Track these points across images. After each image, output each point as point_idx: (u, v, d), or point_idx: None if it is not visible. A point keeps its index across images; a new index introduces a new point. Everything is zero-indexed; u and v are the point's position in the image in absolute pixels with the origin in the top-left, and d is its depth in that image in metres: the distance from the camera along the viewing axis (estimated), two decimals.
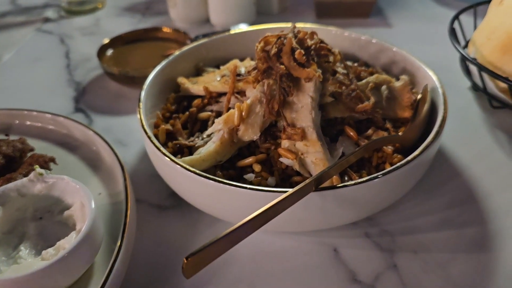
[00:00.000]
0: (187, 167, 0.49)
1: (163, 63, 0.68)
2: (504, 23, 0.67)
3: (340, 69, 0.62)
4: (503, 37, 0.66)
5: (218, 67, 0.74)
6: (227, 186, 0.46)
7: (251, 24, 1.00)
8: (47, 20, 1.11)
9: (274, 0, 1.04)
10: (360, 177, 0.52)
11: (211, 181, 0.47)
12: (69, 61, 0.93)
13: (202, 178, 0.48)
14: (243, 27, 0.89)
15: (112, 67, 0.80)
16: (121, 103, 0.78)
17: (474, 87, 0.73)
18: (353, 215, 0.50)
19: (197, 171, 0.48)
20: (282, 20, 1.04)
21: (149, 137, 0.54)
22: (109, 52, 0.85)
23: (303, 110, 0.54)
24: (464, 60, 0.71)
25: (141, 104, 0.58)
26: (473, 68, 0.72)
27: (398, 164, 0.48)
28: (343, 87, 0.58)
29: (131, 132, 0.70)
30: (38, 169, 0.53)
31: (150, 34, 0.90)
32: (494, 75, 0.63)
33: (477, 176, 0.60)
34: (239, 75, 0.62)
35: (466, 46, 0.81)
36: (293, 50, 0.54)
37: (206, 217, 0.55)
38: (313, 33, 0.58)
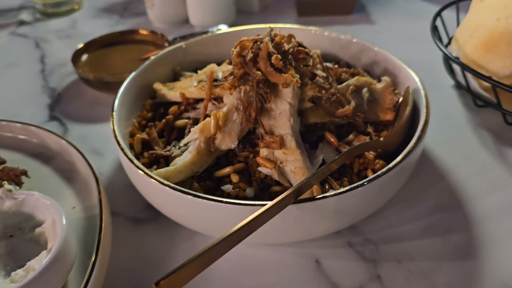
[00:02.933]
0: (162, 180, 0.47)
1: (138, 69, 0.66)
2: (486, 21, 0.66)
3: (319, 71, 0.60)
4: (485, 35, 0.65)
5: (196, 71, 0.72)
6: (204, 200, 0.45)
7: (231, 24, 0.98)
8: (22, 23, 1.08)
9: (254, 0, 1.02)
10: (341, 185, 0.51)
11: (187, 195, 0.45)
12: (44, 66, 0.90)
13: (178, 192, 0.46)
14: (222, 28, 0.87)
15: (87, 72, 0.78)
16: (98, 110, 0.76)
17: (458, 86, 0.72)
18: (335, 225, 0.49)
19: (172, 185, 0.46)
20: (262, 19, 1.02)
21: (122, 149, 0.52)
22: (84, 57, 0.83)
23: (281, 117, 0.52)
24: (447, 58, 0.69)
25: (114, 113, 0.56)
26: (456, 67, 0.71)
27: (380, 172, 0.46)
28: (323, 91, 0.57)
29: (108, 141, 0.68)
30: (6, 185, 0.51)
31: (127, 36, 0.88)
32: (477, 75, 0.62)
33: (461, 179, 0.59)
34: (216, 80, 0.60)
35: (449, 43, 0.80)
36: (269, 55, 0.52)
37: (184, 230, 0.53)
38: (290, 36, 0.56)
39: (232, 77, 0.57)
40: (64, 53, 0.93)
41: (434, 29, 0.73)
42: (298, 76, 0.53)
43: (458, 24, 0.81)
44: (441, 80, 0.78)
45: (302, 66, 0.56)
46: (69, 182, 0.61)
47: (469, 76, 0.67)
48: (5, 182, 0.53)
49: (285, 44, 0.55)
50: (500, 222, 0.53)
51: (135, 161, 0.50)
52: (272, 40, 0.55)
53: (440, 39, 0.72)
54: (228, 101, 0.55)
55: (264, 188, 0.52)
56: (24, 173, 0.59)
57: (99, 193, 0.54)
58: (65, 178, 0.61)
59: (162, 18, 1.00)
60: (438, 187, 0.58)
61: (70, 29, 1.04)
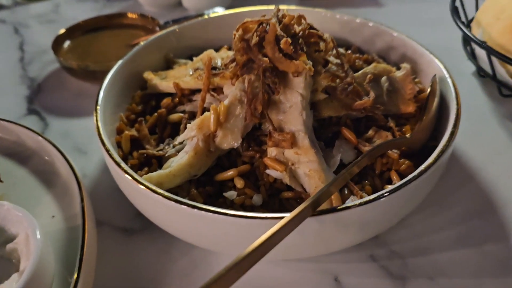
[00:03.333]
0: (153, 187, 0.40)
1: (126, 56, 0.58)
2: None
3: (332, 58, 0.53)
4: None
5: (191, 58, 0.65)
6: (204, 212, 0.38)
7: (227, 7, 0.90)
8: (0, 7, 0.99)
9: None
10: (363, 189, 0.44)
11: (183, 205, 0.38)
12: (23, 53, 0.82)
13: (172, 202, 0.39)
14: (218, 11, 0.79)
15: (70, 61, 0.70)
16: (81, 102, 0.68)
17: (480, 73, 0.65)
18: (358, 238, 0.42)
19: (165, 193, 0.39)
20: (261, 2, 0.94)
21: (107, 150, 0.44)
22: (67, 43, 0.75)
23: (292, 111, 0.45)
24: (468, 42, 0.62)
25: (98, 107, 0.49)
26: (480, 52, 0.64)
27: (410, 177, 0.39)
28: (337, 80, 0.49)
29: (93, 137, 0.59)
30: None
31: (114, 21, 0.80)
32: (507, 60, 0.55)
33: (492, 179, 0.52)
34: (214, 68, 0.53)
35: (468, 26, 0.72)
36: (277, 39, 0.45)
37: (181, 242, 0.46)
38: (300, 17, 0.49)
39: (233, 64, 0.50)
40: (46, 40, 0.84)
41: (455, 10, 0.66)
42: (311, 63, 0.45)
43: (477, 5, 0.74)
44: (459, 66, 0.71)
45: (314, 51, 0.49)
46: (48, 187, 0.53)
47: (496, 62, 0.60)
48: None
49: (295, 26, 0.47)
50: None
51: (122, 164, 0.43)
52: (279, 21, 0.47)
53: (461, 22, 0.65)
54: (229, 92, 0.47)
55: (274, 194, 0.45)
56: None
57: (82, 200, 0.47)
58: (44, 181, 0.54)
59: (153, 1, 0.91)
60: (468, 188, 0.51)
61: (52, 14, 0.95)
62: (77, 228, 0.47)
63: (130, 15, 0.80)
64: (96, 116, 0.48)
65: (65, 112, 0.66)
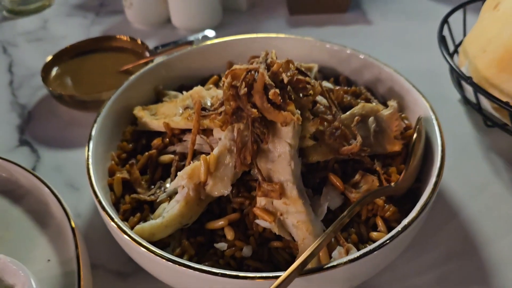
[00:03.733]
0: (148, 246, 0.41)
1: (117, 92, 0.59)
2: (501, 34, 0.60)
3: (320, 97, 0.54)
4: (500, 50, 0.59)
5: (181, 89, 0.66)
6: (196, 272, 0.39)
7: (218, 24, 0.90)
8: None
9: None
10: (348, 236, 0.46)
11: (176, 265, 0.39)
12: (12, 76, 0.82)
13: (165, 261, 0.40)
14: (208, 33, 0.79)
15: (59, 88, 0.70)
16: (73, 132, 0.68)
17: (466, 101, 0.66)
18: None
19: (158, 252, 0.41)
20: (251, 18, 0.95)
21: (100, 203, 0.45)
22: (55, 70, 0.74)
23: (280, 161, 0.46)
24: (456, 76, 0.63)
25: (89, 158, 0.49)
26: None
27: (396, 231, 0.41)
28: (325, 123, 0.50)
29: (85, 171, 0.61)
30: None
31: (103, 43, 0.79)
32: (493, 99, 0.57)
33: (474, 216, 0.54)
34: (204, 109, 0.53)
35: (455, 51, 0.73)
36: (266, 88, 0.46)
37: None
38: (288, 62, 0.49)
39: (222, 108, 0.50)
40: (34, 61, 0.85)
41: (442, 40, 0.67)
42: (299, 112, 0.46)
43: (464, 29, 0.75)
44: (446, 91, 0.72)
45: (302, 96, 0.50)
46: (42, 227, 0.54)
47: (481, 95, 0.62)
48: None
49: (283, 74, 0.48)
50: None
51: (117, 220, 0.44)
52: (267, 67, 0.48)
53: (448, 51, 0.66)
54: (219, 143, 0.48)
55: (263, 243, 0.46)
56: None
57: (77, 247, 0.48)
58: (38, 222, 0.55)
59: (142, 19, 0.91)
60: (451, 226, 0.53)
61: (40, 31, 0.94)
62: (73, 273, 0.48)
63: (118, 37, 0.80)
64: (88, 166, 0.49)
65: (56, 143, 0.67)
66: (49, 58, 0.74)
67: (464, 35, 0.75)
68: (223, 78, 0.49)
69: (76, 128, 0.69)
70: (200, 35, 0.78)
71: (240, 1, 0.95)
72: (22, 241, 0.53)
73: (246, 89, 0.45)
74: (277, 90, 0.45)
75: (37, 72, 0.80)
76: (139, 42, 0.78)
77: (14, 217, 0.56)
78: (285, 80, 0.47)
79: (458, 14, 0.74)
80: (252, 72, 0.47)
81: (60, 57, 0.76)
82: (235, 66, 0.48)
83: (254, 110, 0.45)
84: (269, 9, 0.96)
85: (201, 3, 0.85)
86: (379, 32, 0.89)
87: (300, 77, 0.49)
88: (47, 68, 0.73)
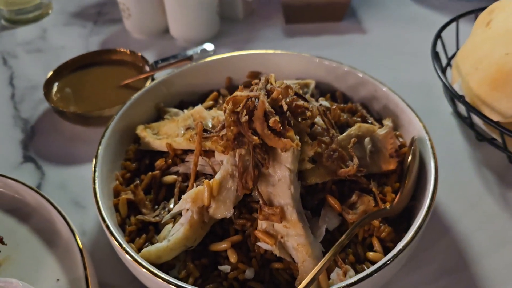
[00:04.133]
0: (153, 269, 0.43)
1: (120, 112, 0.60)
2: (493, 53, 0.62)
3: (318, 119, 0.55)
4: (492, 69, 0.61)
5: (181, 104, 0.67)
6: None
7: (215, 34, 0.92)
8: None
9: (239, 5, 0.95)
10: (346, 257, 0.48)
11: (172, 286, 0.41)
12: (13, 89, 0.83)
13: (169, 285, 0.42)
14: (207, 47, 0.80)
15: (61, 104, 0.72)
16: (76, 148, 0.70)
17: (458, 116, 0.69)
18: None
19: (163, 276, 0.42)
20: (248, 27, 0.96)
21: (112, 234, 0.47)
22: (56, 85, 0.76)
23: (280, 184, 0.48)
24: (448, 90, 0.65)
25: (96, 186, 0.51)
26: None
27: (392, 255, 0.43)
28: (323, 145, 0.52)
29: (89, 189, 0.62)
30: None
31: (103, 57, 0.81)
32: (484, 118, 0.59)
33: (466, 232, 0.56)
34: (205, 130, 0.55)
35: (448, 64, 0.75)
36: (266, 114, 0.47)
37: None
38: (287, 88, 0.51)
39: (223, 131, 0.52)
40: (35, 73, 0.86)
41: (436, 56, 0.69)
42: (298, 138, 0.48)
43: (457, 42, 0.77)
44: (439, 102, 0.74)
45: (301, 120, 0.52)
46: (50, 246, 0.56)
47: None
48: None
49: (282, 102, 0.49)
50: (508, 283, 0.51)
51: (125, 245, 0.46)
52: (267, 93, 0.50)
53: (441, 67, 0.68)
54: (222, 167, 0.50)
55: (264, 264, 0.48)
56: (0, 241, 0.54)
57: (85, 268, 0.50)
58: (46, 241, 0.57)
59: (140, 29, 0.92)
60: (444, 242, 0.55)
61: (39, 41, 0.95)
62: None
63: (119, 50, 0.81)
64: (95, 191, 0.50)
65: (60, 160, 0.68)
66: (50, 73, 0.75)
67: (457, 47, 0.77)
68: (221, 102, 0.51)
69: (79, 143, 0.70)
70: (198, 49, 0.79)
71: (237, 10, 0.96)
72: (31, 261, 0.55)
73: (247, 116, 0.47)
74: (277, 118, 0.46)
75: (38, 85, 0.82)
76: (139, 55, 0.79)
77: (22, 236, 0.57)
78: (285, 108, 0.48)
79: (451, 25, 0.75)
80: (253, 99, 0.49)
81: (61, 72, 0.77)
82: (236, 93, 0.49)
83: (255, 137, 0.47)
84: (266, 18, 0.98)
85: (199, 14, 0.86)
86: (374, 41, 0.91)
87: (299, 102, 0.51)
88: (48, 84, 0.74)
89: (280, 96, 0.50)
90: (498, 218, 0.58)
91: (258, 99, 0.48)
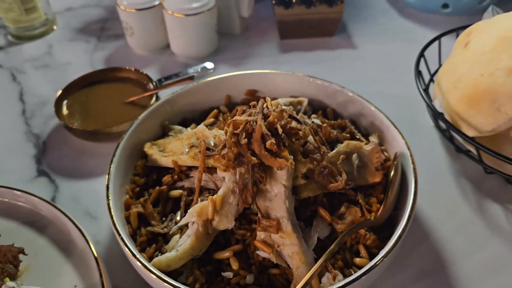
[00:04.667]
0: (167, 279, 0.49)
1: (129, 131, 0.65)
2: (470, 74, 0.68)
3: (310, 137, 0.61)
4: (469, 89, 0.67)
5: (184, 121, 0.73)
6: None
7: (214, 50, 0.97)
8: None
9: (236, 21, 1.00)
10: (335, 262, 0.54)
11: None
12: (24, 105, 0.88)
13: None
14: (207, 65, 0.86)
15: (71, 120, 0.77)
16: (86, 162, 0.75)
17: (439, 129, 0.74)
18: None
19: (172, 283, 0.48)
20: (245, 42, 1.01)
21: (125, 244, 0.52)
22: (65, 103, 0.81)
23: (276, 199, 0.54)
24: (429, 108, 0.71)
25: (110, 202, 0.56)
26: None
27: (375, 261, 0.49)
28: (315, 163, 0.58)
29: (101, 201, 0.68)
30: (8, 282, 0.52)
31: (109, 74, 0.86)
32: (461, 135, 0.65)
33: (444, 238, 0.62)
34: (208, 149, 0.61)
35: (431, 80, 0.81)
36: (263, 137, 0.53)
37: None
38: (282, 112, 0.57)
39: (225, 150, 0.58)
40: (44, 89, 0.91)
41: (418, 74, 0.75)
42: (292, 157, 0.54)
43: (440, 59, 0.83)
44: (423, 115, 0.80)
45: (294, 140, 0.57)
46: (67, 255, 0.61)
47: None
48: (7, 279, 0.53)
49: (278, 125, 0.55)
50: (481, 285, 0.57)
51: (138, 255, 0.51)
52: (264, 117, 0.55)
53: (424, 83, 0.74)
54: (224, 184, 0.55)
55: (263, 270, 0.54)
56: (21, 251, 0.59)
57: (101, 275, 0.55)
58: (62, 250, 0.62)
59: (142, 46, 0.98)
60: (423, 247, 0.61)
61: (46, 56, 1.00)
62: None
63: (124, 68, 0.86)
64: (110, 211, 0.55)
65: (72, 173, 0.73)
66: (60, 92, 0.80)
67: (440, 63, 0.83)
68: (225, 127, 0.57)
69: (89, 157, 0.76)
70: (199, 67, 0.84)
71: (234, 26, 1.01)
72: (50, 269, 0.60)
73: (246, 139, 0.53)
74: (273, 141, 0.52)
75: (47, 100, 0.87)
76: (144, 74, 0.84)
77: (40, 246, 0.63)
78: (280, 131, 0.54)
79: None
80: (251, 122, 0.55)
81: (69, 90, 0.82)
82: (236, 117, 0.55)
83: (254, 158, 0.52)
84: (261, 33, 1.03)
85: (199, 32, 0.92)
86: (363, 55, 0.97)
87: (292, 125, 0.56)
88: (58, 102, 0.79)
89: (275, 119, 0.55)
90: (474, 224, 0.64)
91: (256, 122, 0.54)
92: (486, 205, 0.66)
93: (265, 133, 0.53)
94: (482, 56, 0.68)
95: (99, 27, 1.09)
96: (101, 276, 0.55)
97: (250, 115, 0.56)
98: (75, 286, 0.58)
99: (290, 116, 0.58)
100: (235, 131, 0.55)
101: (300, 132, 0.57)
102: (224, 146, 0.58)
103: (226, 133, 0.55)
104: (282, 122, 0.56)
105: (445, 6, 1.03)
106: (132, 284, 0.59)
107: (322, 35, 1.01)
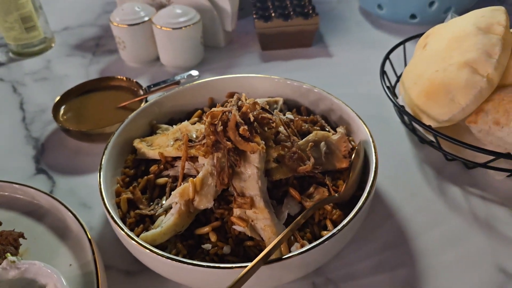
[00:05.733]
0: (153, 249, 0.54)
1: (120, 128, 0.72)
2: (427, 71, 0.75)
3: (281, 128, 0.68)
4: (426, 84, 0.74)
5: (171, 121, 0.80)
6: (186, 265, 0.52)
7: (200, 61, 1.05)
8: None
9: (220, 35, 1.08)
10: (304, 235, 0.60)
11: (173, 261, 0.53)
12: (24, 113, 0.95)
13: (164, 259, 0.53)
14: (193, 73, 0.93)
15: (68, 124, 0.83)
16: (81, 161, 0.82)
17: (403, 123, 0.81)
18: (301, 274, 0.57)
19: (161, 253, 0.54)
20: (229, 53, 1.09)
21: (112, 217, 0.58)
22: (62, 108, 0.88)
23: (250, 180, 0.60)
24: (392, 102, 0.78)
25: (101, 183, 0.63)
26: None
27: (339, 227, 0.55)
28: (286, 149, 0.65)
29: (95, 193, 0.73)
30: (10, 257, 0.57)
31: (103, 83, 0.93)
32: (421, 125, 0.71)
33: (407, 216, 0.68)
34: (190, 140, 0.67)
35: (397, 81, 0.89)
36: (237, 125, 0.60)
37: (173, 281, 0.61)
38: (255, 104, 0.64)
39: (204, 140, 0.64)
40: (42, 98, 0.98)
41: (383, 74, 0.82)
42: (263, 142, 0.61)
43: (405, 61, 0.90)
44: (392, 113, 0.87)
45: (266, 129, 0.64)
46: (63, 240, 0.67)
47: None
48: (8, 254, 0.59)
49: (250, 115, 0.62)
50: (439, 255, 0.63)
51: (127, 230, 0.57)
52: (239, 108, 0.62)
53: (390, 84, 0.81)
54: (203, 168, 0.62)
55: (239, 243, 0.60)
56: (21, 235, 0.65)
57: (93, 253, 0.61)
58: (59, 235, 0.68)
59: (134, 58, 1.05)
60: (388, 224, 0.67)
61: (45, 71, 1.08)
62: (91, 273, 0.61)
63: (117, 77, 0.94)
64: (101, 191, 0.62)
65: (68, 170, 0.80)
66: (57, 98, 0.88)
67: (405, 65, 0.90)
68: (204, 118, 0.64)
69: (84, 157, 0.82)
70: (185, 75, 0.92)
71: (218, 39, 1.09)
72: (48, 250, 0.66)
73: (221, 127, 0.60)
74: (246, 127, 0.59)
75: (46, 108, 0.94)
76: (134, 81, 0.92)
77: (39, 232, 0.68)
78: (252, 118, 0.61)
79: (400, 49, 0.89)
80: (227, 113, 0.62)
81: (66, 97, 0.89)
82: (214, 109, 0.62)
83: (229, 143, 0.59)
84: (244, 46, 1.11)
85: (185, 44, 1.00)
86: (339, 62, 1.05)
87: (264, 115, 0.63)
88: (56, 107, 0.87)
89: (248, 110, 0.62)
90: (434, 204, 0.70)
91: (231, 113, 0.61)
92: (446, 187, 0.73)
93: (239, 121, 0.60)
94: (437, 54, 0.76)
95: (94, 43, 1.17)
96: (93, 253, 0.61)
97: (226, 107, 0.63)
98: (70, 264, 0.64)
99: (262, 108, 0.65)
100: (212, 121, 0.62)
101: (271, 122, 0.64)
102: (204, 137, 0.65)
103: (205, 123, 0.62)
104: (255, 113, 0.63)
105: (413, 16, 1.11)
106: (122, 262, 0.65)
107: (300, 46, 1.09)
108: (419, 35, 0.91)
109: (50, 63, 1.11)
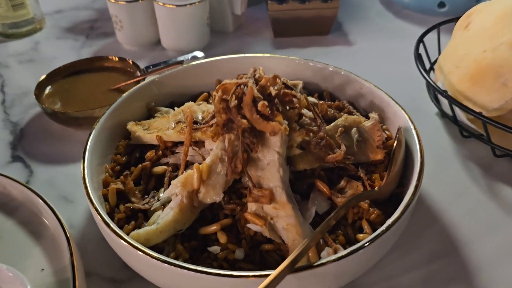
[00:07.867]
0: (144, 249, 0.43)
1: (110, 108, 0.61)
2: (472, 51, 0.64)
3: (306, 110, 0.57)
4: (471, 66, 0.63)
5: (172, 105, 0.68)
6: (188, 271, 0.41)
7: (206, 46, 0.94)
8: None
9: (229, 18, 0.98)
10: (336, 238, 0.48)
11: (173, 267, 0.41)
12: (4, 96, 0.83)
13: (162, 263, 0.41)
14: (197, 54, 0.82)
15: (53, 107, 0.72)
16: (66, 148, 0.70)
17: (443, 114, 0.70)
18: (333, 286, 0.45)
19: (156, 255, 0.42)
20: (238, 40, 0.99)
21: (96, 210, 0.47)
22: (48, 88, 0.76)
23: (269, 168, 0.49)
24: (433, 90, 0.67)
25: (85, 169, 0.51)
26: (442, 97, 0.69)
27: (380, 230, 0.43)
28: (311, 134, 0.53)
29: (78, 185, 0.61)
30: None
31: (94, 64, 0.82)
32: (467, 110, 0.60)
33: (455, 219, 0.57)
34: (195, 122, 0.56)
35: (431, 68, 0.78)
36: (255, 101, 0.48)
37: None
38: (275, 77, 0.52)
39: (213, 120, 0.53)
40: (26, 81, 0.87)
41: (418, 57, 0.71)
42: (286, 123, 0.49)
43: (439, 48, 0.80)
44: (424, 105, 0.76)
45: (288, 109, 0.53)
46: (36, 238, 0.55)
47: (456, 108, 0.66)
48: None
49: (270, 88, 0.51)
50: (500, 266, 0.51)
51: (112, 225, 0.45)
52: (256, 82, 0.51)
53: (425, 68, 0.70)
54: (211, 152, 0.50)
55: (254, 246, 0.48)
56: None
57: (71, 255, 0.49)
58: (32, 232, 0.56)
59: (132, 41, 0.94)
60: (432, 229, 0.56)
61: (32, 52, 0.97)
62: (67, 281, 0.50)
63: (110, 57, 0.82)
64: (84, 176, 0.50)
65: (49, 159, 0.68)
66: (43, 77, 0.76)
67: (439, 53, 0.79)
68: (213, 92, 0.52)
69: (68, 144, 0.71)
70: (189, 56, 0.81)
71: (227, 23, 0.99)
72: (16, 251, 0.54)
73: (236, 101, 0.48)
74: (266, 102, 0.48)
75: (29, 91, 0.82)
76: (130, 62, 0.80)
77: (7, 228, 0.57)
78: (273, 93, 0.49)
79: (433, 34, 0.78)
80: (242, 86, 0.50)
81: (53, 77, 0.78)
82: (226, 81, 0.51)
83: (244, 121, 0.48)
84: (255, 32, 1.01)
85: (190, 25, 0.89)
86: (360, 51, 0.94)
87: (286, 90, 0.52)
88: (40, 87, 0.75)
89: (268, 83, 0.51)
90: (484, 206, 0.59)
91: (247, 86, 0.49)
92: (498, 188, 0.61)
93: (257, 96, 0.49)
94: (484, 33, 0.65)
95: (88, 26, 1.06)
96: (72, 256, 0.49)
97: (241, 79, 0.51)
98: (42, 269, 0.52)
99: (284, 84, 0.53)
100: (224, 97, 0.50)
101: (295, 100, 0.53)
102: (213, 117, 0.54)
103: (214, 98, 0.50)
104: (276, 88, 0.51)
105: (442, 5, 1.01)
106: (108, 268, 0.53)
107: (317, 34, 0.98)
108: (455, 19, 0.80)
109: (38, 45, 1.00)
